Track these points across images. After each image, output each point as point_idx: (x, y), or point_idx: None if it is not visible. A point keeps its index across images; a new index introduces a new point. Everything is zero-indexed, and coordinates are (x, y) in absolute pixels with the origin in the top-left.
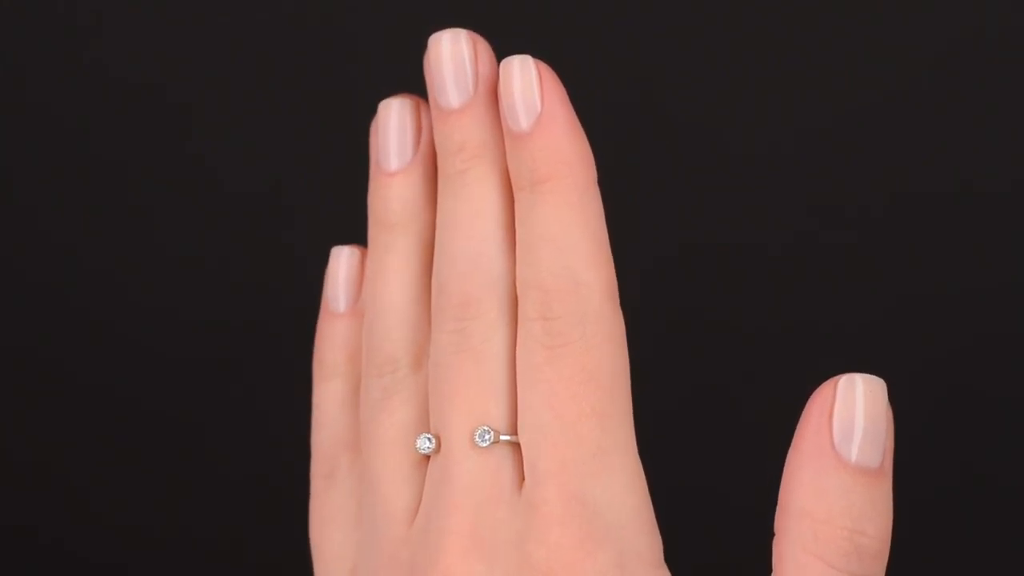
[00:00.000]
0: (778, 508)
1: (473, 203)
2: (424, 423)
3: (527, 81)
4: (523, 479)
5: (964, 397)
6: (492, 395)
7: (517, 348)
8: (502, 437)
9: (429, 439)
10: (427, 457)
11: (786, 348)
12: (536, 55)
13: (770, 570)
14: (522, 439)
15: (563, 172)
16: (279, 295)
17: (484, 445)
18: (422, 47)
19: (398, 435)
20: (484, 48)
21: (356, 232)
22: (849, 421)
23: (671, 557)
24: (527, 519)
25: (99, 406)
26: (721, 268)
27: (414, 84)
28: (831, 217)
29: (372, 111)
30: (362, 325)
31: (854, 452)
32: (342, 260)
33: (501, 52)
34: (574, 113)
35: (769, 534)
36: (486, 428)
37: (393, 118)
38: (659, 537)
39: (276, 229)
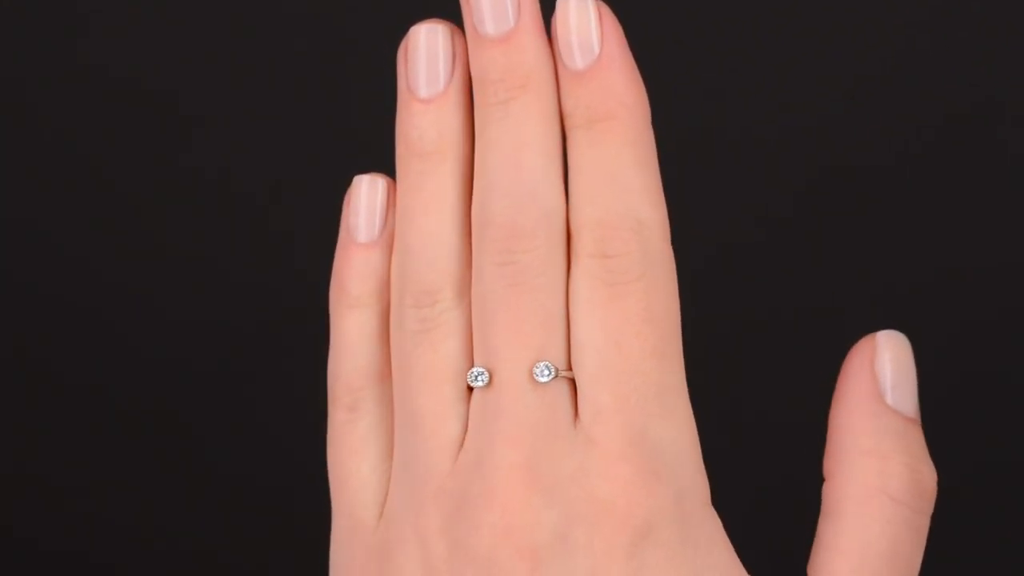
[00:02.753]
0: (829, 453)
1: (520, 134)
2: (468, 355)
3: (585, 19)
4: (576, 415)
5: (974, 386)
6: (549, 330)
7: (573, 284)
8: (561, 373)
9: (482, 372)
10: (470, 390)
11: (786, 340)
12: None
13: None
14: (581, 375)
15: (622, 112)
16: (279, 295)
17: (545, 380)
18: None
19: (442, 368)
20: None
21: None
22: (891, 372)
23: None
24: (587, 454)
25: (98, 406)
26: (722, 261)
27: None
28: (828, 204)
29: (375, 111)
30: (390, 255)
31: (895, 400)
32: (365, 188)
33: None
34: (630, 52)
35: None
36: (548, 364)
37: (429, 43)
38: (707, 478)
39: (277, 229)
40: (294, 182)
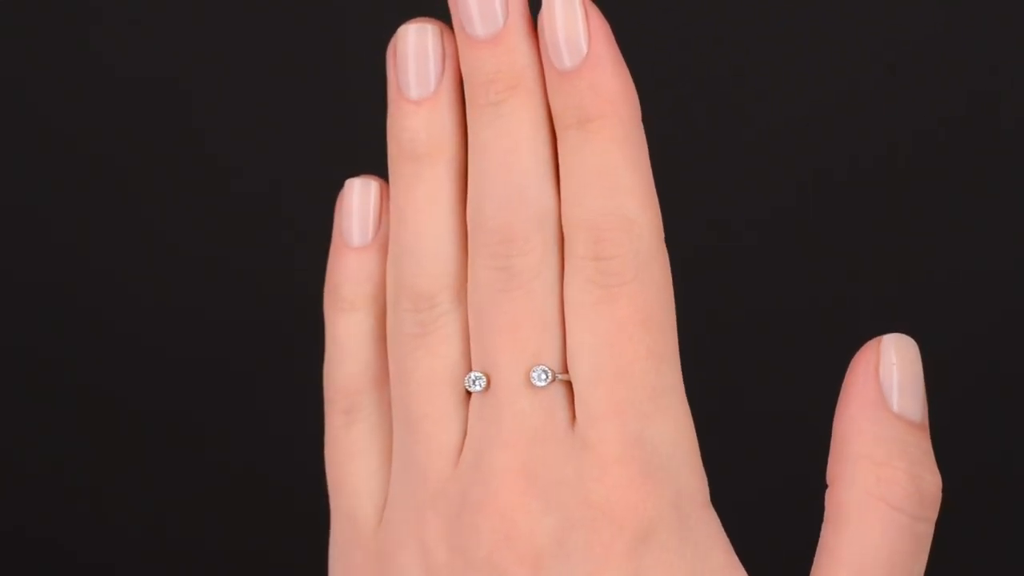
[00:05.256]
0: (832, 458)
1: (511, 136)
2: (467, 359)
3: (572, 17)
4: (574, 418)
5: (978, 389)
6: (545, 333)
7: (567, 286)
8: (558, 376)
9: (479, 377)
10: (469, 394)
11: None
12: None
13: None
14: (576, 379)
15: (611, 111)
16: (281, 294)
17: (542, 384)
18: None
19: (441, 372)
20: None
21: None
22: (895, 376)
23: None
24: (583, 458)
25: (100, 406)
26: (721, 259)
27: None
28: (828, 201)
29: (378, 109)
30: (384, 258)
31: (901, 406)
32: (357, 191)
33: None
34: (618, 50)
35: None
36: (544, 368)
37: (418, 43)
38: (706, 478)
39: (278, 228)
40: (301, 180)
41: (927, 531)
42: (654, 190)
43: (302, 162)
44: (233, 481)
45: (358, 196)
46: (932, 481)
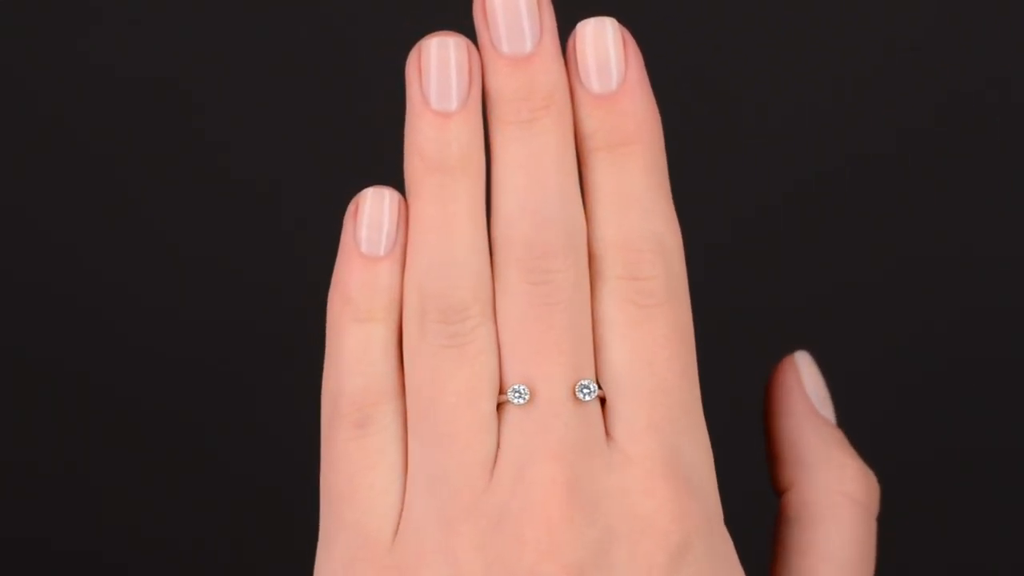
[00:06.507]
0: (784, 465)
1: (545, 154)
2: (499, 373)
3: (608, 42)
4: (607, 432)
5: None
6: (584, 349)
7: (601, 304)
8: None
9: (523, 390)
10: (499, 406)
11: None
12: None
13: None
14: (614, 394)
15: (644, 136)
16: (280, 295)
17: (588, 399)
18: None
19: (478, 384)
20: None
21: None
22: (817, 388)
23: None
24: (625, 472)
25: (99, 406)
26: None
27: None
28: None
29: (378, 110)
30: (401, 269)
31: (827, 413)
32: (373, 200)
33: None
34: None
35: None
36: (589, 382)
37: (447, 56)
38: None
39: (279, 228)
40: (303, 180)
41: (875, 525)
42: (675, 213)
43: (304, 162)
44: (233, 483)
45: (375, 205)
46: (874, 477)
